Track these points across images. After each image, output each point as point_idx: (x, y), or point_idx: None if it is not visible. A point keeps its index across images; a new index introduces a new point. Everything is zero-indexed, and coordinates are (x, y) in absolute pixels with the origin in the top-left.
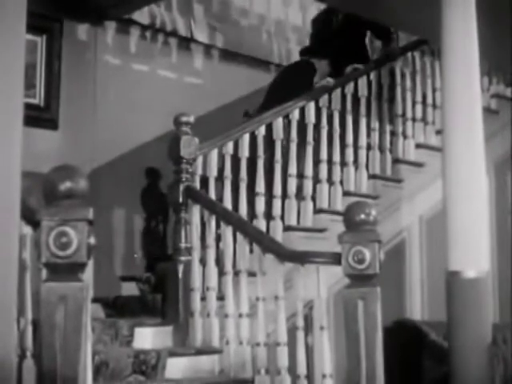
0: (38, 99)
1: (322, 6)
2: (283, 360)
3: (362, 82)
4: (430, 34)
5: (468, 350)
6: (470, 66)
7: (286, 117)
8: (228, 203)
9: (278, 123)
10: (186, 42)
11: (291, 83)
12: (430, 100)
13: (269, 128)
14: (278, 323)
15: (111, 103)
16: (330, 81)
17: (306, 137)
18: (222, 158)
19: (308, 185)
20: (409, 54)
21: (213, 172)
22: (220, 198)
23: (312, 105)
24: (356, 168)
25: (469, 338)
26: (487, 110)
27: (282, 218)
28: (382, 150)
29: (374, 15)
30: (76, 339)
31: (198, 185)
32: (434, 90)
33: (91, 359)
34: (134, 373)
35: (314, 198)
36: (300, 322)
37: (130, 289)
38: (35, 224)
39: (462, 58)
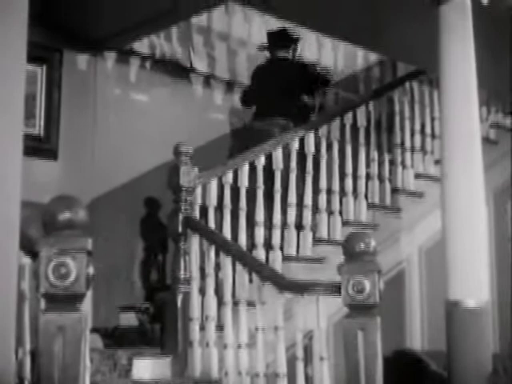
0: (38, 129)
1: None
2: None
3: (361, 111)
4: (428, 63)
5: (468, 380)
6: (469, 96)
7: (286, 147)
8: (227, 233)
9: (278, 153)
10: (186, 72)
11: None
12: (428, 130)
13: (268, 158)
14: (277, 353)
15: (111, 133)
16: None
17: (305, 166)
18: (221, 187)
19: (307, 214)
20: (407, 84)
21: (212, 202)
22: (219, 227)
23: (311, 135)
24: (355, 197)
25: (469, 367)
26: (486, 140)
27: (282, 247)
28: (381, 179)
29: (372, 47)
30: (74, 370)
31: (197, 214)
32: (432, 120)
33: None
34: None
35: (313, 228)
36: (300, 353)
37: (128, 319)
38: (34, 254)
39: (461, 87)
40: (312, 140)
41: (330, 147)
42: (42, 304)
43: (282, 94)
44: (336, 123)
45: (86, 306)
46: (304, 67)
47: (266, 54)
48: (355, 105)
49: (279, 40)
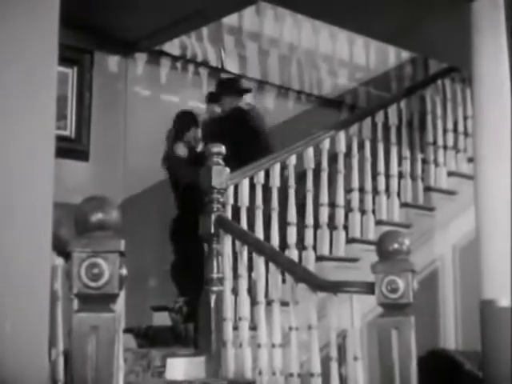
0: (70, 131)
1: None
2: None
3: (393, 110)
4: (461, 61)
5: (504, 380)
6: (502, 93)
7: (317, 146)
8: (260, 233)
9: (309, 153)
10: (217, 73)
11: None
12: (461, 127)
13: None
14: (311, 353)
15: (142, 134)
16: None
17: (336, 166)
18: (252, 187)
19: (340, 214)
20: (439, 82)
21: (244, 202)
22: (251, 227)
23: (342, 134)
24: (388, 196)
25: (504, 367)
26: None
27: (315, 247)
28: (413, 178)
29: (404, 44)
30: (108, 370)
31: (229, 215)
32: (465, 118)
33: None
34: None
35: (346, 227)
36: (334, 352)
37: (161, 319)
38: (67, 255)
39: (493, 85)
40: (343, 139)
41: (361, 146)
42: (75, 304)
43: None
44: (367, 122)
45: (119, 306)
46: None
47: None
48: (387, 103)
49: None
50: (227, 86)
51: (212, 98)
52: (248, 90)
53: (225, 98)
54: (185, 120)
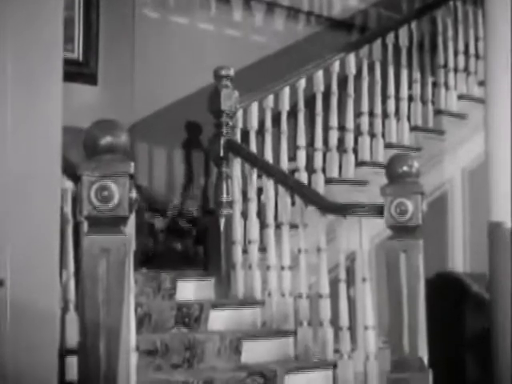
0: (77, 54)
1: None
2: (325, 312)
3: (403, 31)
4: None
5: (509, 302)
6: None
7: (327, 69)
8: (269, 156)
9: (319, 75)
10: None
11: None
12: (472, 50)
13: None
14: (320, 275)
15: (150, 57)
16: None
17: (346, 89)
18: (262, 111)
19: (349, 137)
20: (451, 3)
21: (253, 125)
22: (261, 151)
23: (352, 56)
24: (397, 120)
25: (510, 289)
26: None
27: (324, 170)
28: (423, 101)
29: None
30: (119, 291)
31: (238, 138)
32: (476, 40)
33: (134, 311)
34: (177, 325)
35: (355, 151)
36: (342, 274)
37: None
38: (77, 178)
39: (505, 6)
40: (353, 61)
41: (371, 68)
42: (85, 227)
43: None
44: (377, 43)
45: (130, 228)
46: None
47: None
48: (397, 24)
49: None
50: None
51: None
52: None
53: None
54: None
